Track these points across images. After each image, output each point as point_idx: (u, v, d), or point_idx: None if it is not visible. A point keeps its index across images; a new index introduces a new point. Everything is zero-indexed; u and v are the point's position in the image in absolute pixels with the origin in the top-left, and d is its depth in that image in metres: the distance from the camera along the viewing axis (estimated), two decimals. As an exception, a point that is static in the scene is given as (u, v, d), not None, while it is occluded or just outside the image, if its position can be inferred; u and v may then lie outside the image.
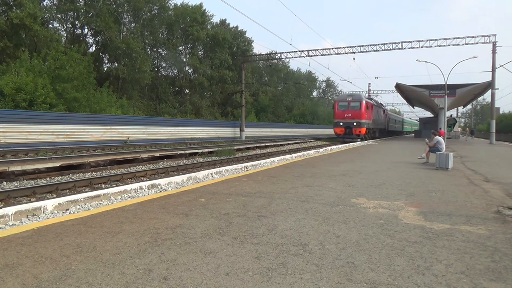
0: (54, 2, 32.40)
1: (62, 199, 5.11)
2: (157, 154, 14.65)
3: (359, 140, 29.08)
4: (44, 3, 31.13)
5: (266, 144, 25.78)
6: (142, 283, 2.58)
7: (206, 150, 17.35)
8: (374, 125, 34.59)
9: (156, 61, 41.77)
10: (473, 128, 60.99)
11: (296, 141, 33.34)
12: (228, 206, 5.03)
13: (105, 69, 37.12)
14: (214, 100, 46.29)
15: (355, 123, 30.01)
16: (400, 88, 39.53)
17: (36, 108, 20.93)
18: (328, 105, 77.85)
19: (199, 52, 46.22)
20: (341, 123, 30.63)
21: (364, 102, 30.79)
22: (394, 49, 32.47)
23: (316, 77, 79.94)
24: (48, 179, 9.46)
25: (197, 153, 16.87)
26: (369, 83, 74.56)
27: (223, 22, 49.32)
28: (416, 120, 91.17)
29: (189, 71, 44.51)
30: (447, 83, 27.88)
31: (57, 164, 10.18)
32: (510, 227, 4.19)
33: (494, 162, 12.92)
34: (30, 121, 18.93)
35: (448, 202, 5.57)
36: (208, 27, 45.21)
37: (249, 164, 10.19)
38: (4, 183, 8.59)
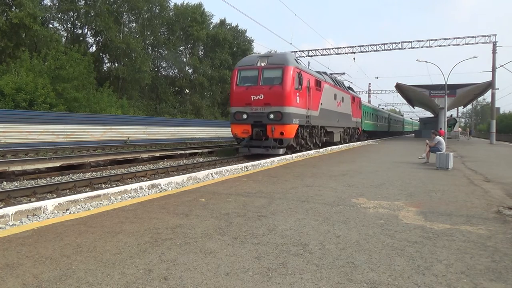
0: (54, 2, 32.41)
1: (62, 199, 5.10)
2: (157, 154, 14.64)
3: (281, 152, 13.82)
4: (44, 3, 31.13)
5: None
6: (142, 283, 2.58)
7: (206, 150, 17.35)
8: (326, 121, 18.28)
9: (156, 61, 41.76)
10: (471, 129, 61.67)
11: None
12: (228, 206, 5.02)
13: (105, 69, 37.13)
14: (214, 100, 46.28)
15: (271, 115, 13.73)
16: (400, 88, 39.56)
17: (36, 108, 20.93)
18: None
19: (199, 52, 46.21)
20: (244, 115, 14.25)
21: (292, 70, 13.94)
22: (395, 49, 32.46)
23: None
24: (48, 179, 9.46)
25: (197, 153, 16.87)
26: (369, 83, 74.54)
27: (222, 22, 49.27)
28: (411, 119, 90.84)
29: (189, 71, 44.51)
30: (448, 83, 27.90)
31: (57, 164, 10.17)
32: (510, 227, 4.19)
33: (494, 162, 12.91)
34: (30, 121, 18.92)
35: (448, 202, 5.57)
36: (210, 27, 45.19)
37: (249, 164, 10.19)
38: (5, 183, 8.59)
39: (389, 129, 49.60)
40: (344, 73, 27.11)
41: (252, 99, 13.92)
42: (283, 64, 13.96)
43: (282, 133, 13.51)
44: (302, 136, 15.39)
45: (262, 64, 14.32)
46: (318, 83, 17.04)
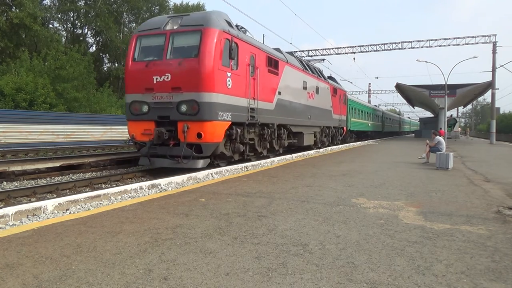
0: (54, 2, 32.44)
1: (62, 199, 5.10)
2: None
3: (200, 165, 9.12)
4: (44, 3, 31.16)
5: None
6: (142, 283, 2.58)
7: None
8: (288, 117, 13.54)
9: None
10: (470, 129, 62.34)
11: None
12: (228, 206, 5.02)
13: (105, 69, 37.15)
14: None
15: (183, 106, 8.86)
16: (400, 88, 39.58)
17: (36, 108, 20.95)
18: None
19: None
20: (145, 107, 9.29)
21: (217, 35, 8.95)
22: (395, 49, 32.48)
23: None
24: (48, 179, 9.45)
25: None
26: (369, 83, 74.55)
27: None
28: (409, 118, 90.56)
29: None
30: (448, 83, 27.90)
31: (57, 164, 10.17)
32: (510, 227, 4.19)
33: (494, 162, 12.91)
34: (30, 121, 18.93)
35: (448, 202, 5.57)
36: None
37: (249, 164, 10.18)
38: (5, 183, 8.59)
39: (383, 129, 44.00)
40: (323, 60, 22.66)
41: (155, 82, 8.90)
42: (202, 26, 8.92)
43: (200, 135, 8.62)
44: (242, 139, 10.34)
45: (174, 27, 9.30)
46: (272, 63, 12.05)
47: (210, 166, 9.48)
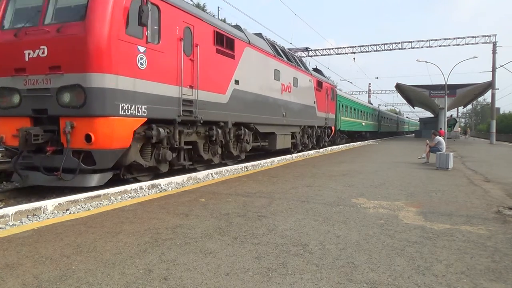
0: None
1: (62, 199, 5.10)
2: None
3: (93, 182, 6.23)
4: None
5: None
6: (142, 283, 2.58)
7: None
8: (251, 114, 10.94)
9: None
10: (465, 129, 63.12)
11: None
12: (228, 206, 5.03)
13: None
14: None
15: (64, 94, 6.06)
16: (400, 88, 39.61)
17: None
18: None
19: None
20: (15, 97, 6.43)
21: None
22: (395, 49, 32.51)
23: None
24: (48, 179, 9.44)
25: None
26: (369, 83, 74.58)
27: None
28: (408, 117, 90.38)
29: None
30: (448, 83, 27.91)
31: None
32: (510, 227, 4.19)
33: (494, 162, 12.91)
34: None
35: (448, 202, 5.57)
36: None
37: (249, 164, 10.19)
38: (5, 183, 8.59)
39: (379, 129, 40.81)
40: (307, 48, 20.30)
41: (27, 59, 6.30)
42: None
43: (89, 138, 6.02)
44: (172, 143, 7.74)
45: None
46: (224, 42, 9.41)
47: (124, 181, 7.03)
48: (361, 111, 30.88)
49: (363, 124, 31.21)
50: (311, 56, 35.00)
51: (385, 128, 45.45)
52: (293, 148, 15.18)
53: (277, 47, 13.90)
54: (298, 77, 14.94)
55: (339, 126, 22.67)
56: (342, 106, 23.79)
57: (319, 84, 17.71)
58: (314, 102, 16.91)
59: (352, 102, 28.10)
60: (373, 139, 33.65)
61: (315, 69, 19.53)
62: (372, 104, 46.44)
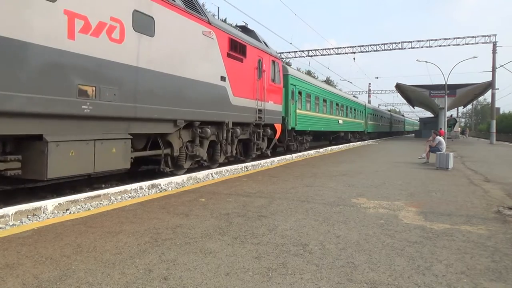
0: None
1: (62, 199, 5.10)
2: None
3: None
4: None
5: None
6: (142, 283, 2.58)
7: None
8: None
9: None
10: (465, 129, 63.57)
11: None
12: (228, 206, 5.03)
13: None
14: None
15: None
16: (400, 88, 39.60)
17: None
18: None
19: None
20: None
21: None
22: (395, 49, 32.51)
23: (316, 76, 79.93)
24: (48, 179, 9.44)
25: None
26: (369, 83, 74.59)
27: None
28: (404, 116, 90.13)
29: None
30: (448, 83, 27.90)
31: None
32: (510, 227, 4.19)
33: (494, 162, 12.91)
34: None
35: (448, 202, 5.57)
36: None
37: (249, 164, 10.19)
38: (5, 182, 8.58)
39: (366, 128, 32.73)
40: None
41: None
42: None
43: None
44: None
45: None
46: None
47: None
48: (338, 105, 23.31)
49: (340, 122, 23.59)
50: (311, 56, 35.02)
51: (374, 127, 37.31)
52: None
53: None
54: (195, 31, 8.01)
55: (293, 124, 15.11)
56: (300, 94, 16.27)
57: (239, 48, 10.02)
58: (224, 79, 9.31)
59: (320, 89, 19.72)
60: (364, 141, 31.66)
61: (243, 28, 12.35)
62: (356, 96, 39.78)
